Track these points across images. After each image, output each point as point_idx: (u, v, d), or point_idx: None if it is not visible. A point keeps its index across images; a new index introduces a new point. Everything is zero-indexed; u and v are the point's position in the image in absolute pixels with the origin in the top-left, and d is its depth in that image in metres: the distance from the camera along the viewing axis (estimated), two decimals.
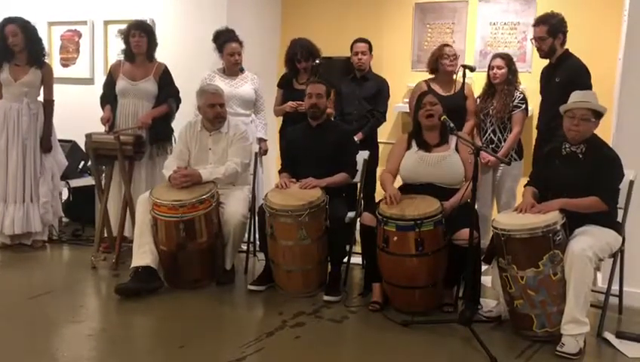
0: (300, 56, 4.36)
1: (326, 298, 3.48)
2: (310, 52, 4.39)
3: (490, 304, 3.34)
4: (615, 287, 3.24)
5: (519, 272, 2.91)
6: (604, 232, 2.98)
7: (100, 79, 4.94)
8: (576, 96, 3.07)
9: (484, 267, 3.35)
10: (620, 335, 3.05)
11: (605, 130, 3.82)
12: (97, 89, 4.55)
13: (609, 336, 3.04)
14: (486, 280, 3.49)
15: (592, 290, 3.00)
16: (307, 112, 3.83)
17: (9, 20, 4.29)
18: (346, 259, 3.74)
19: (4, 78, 4.32)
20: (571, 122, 3.03)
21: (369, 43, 4.46)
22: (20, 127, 4.32)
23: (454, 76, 4.11)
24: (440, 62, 4.17)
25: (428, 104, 3.46)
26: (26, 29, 4.32)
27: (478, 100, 4.28)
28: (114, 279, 3.76)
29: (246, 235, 3.93)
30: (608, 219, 3.04)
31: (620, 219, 3.15)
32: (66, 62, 5.71)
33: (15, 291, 3.59)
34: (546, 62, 4.00)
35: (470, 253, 3.02)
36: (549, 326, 2.93)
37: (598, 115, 3.04)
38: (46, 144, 4.41)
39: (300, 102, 4.21)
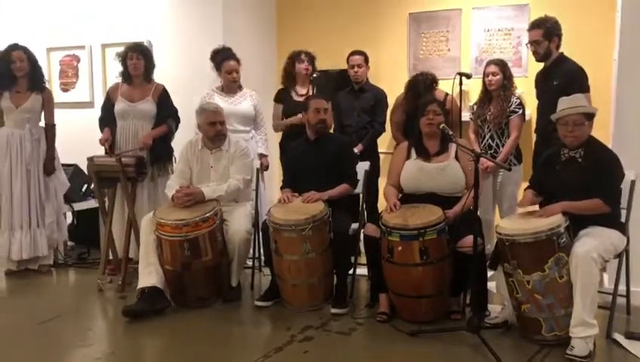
0: (304, 56, 4.41)
1: (333, 310, 3.48)
2: (312, 59, 4.45)
3: (497, 310, 3.33)
4: (622, 288, 3.23)
5: (525, 277, 2.91)
6: (608, 233, 2.98)
7: (100, 102, 4.96)
8: (565, 103, 3.09)
9: (489, 273, 3.35)
10: (629, 335, 3.04)
11: (604, 131, 3.84)
12: (97, 112, 4.57)
13: (618, 337, 3.03)
14: (492, 286, 3.49)
15: (599, 291, 3.00)
16: (313, 127, 3.80)
17: (16, 46, 4.35)
18: (351, 271, 3.74)
19: (5, 105, 4.36)
20: (566, 129, 3.04)
21: (365, 55, 4.50)
22: (23, 153, 4.35)
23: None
24: None
25: (431, 112, 3.47)
26: (30, 55, 4.39)
27: (475, 107, 4.31)
28: (121, 301, 3.76)
29: (251, 251, 3.94)
30: (612, 219, 3.04)
31: (623, 219, 3.15)
32: (65, 87, 5.75)
33: (23, 317, 3.60)
34: (542, 66, 4.02)
35: (475, 259, 3.03)
36: (558, 329, 2.92)
37: (590, 116, 3.05)
38: (49, 167, 4.44)
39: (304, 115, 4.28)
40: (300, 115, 4.25)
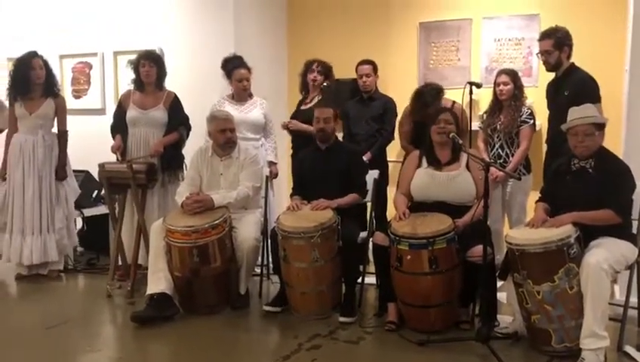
0: (315, 66, 4.44)
1: (341, 319, 3.47)
2: (326, 69, 4.47)
3: (506, 320, 3.31)
4: (633, 300, 3.19)
5: (535, 287, 2.90)
6: (619, 244, 2.95)
7: (111, 109, 5.01)
8: (575, 113, 3.08)
9: (499, 283, 3.33)
10: None
11: (615, 141, 3.82)
12: (109, 119, 4.62)
13: (630, 350, 3.00)
14: (502, 296, 3.47)
15: (610, 303, 2.98)
16: (315, 136, 3.86)
17: (35, 54, 4.40)
18: (360, 280, 3.73)
19: (19, 112, 4.41)
20: (576, 139, 3.03)
21: (373, 64, 4.51)
22: (36, 159, 4.39)
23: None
24: None
25: (443, 121, 3.48)
26: (46, 63, 4.45)
27: (485, 116, 4.30)
28: (130, 307, 3.77)
29: (259, 258, 3.94)
30: (623, 230, 3.02)
31: (634, 230, 3.12)
32: (77, 94, 5.81)
33: (32, 321, 3.62)
34: (552, 76, 4.02)
35: (484, 269, 3.01)
36: (568, 340, 2.90)
37: (600, 126, 3.04)
38: (61, 173, 4.48)
39: (289, 122, 4.38)
40: (285, 121, 4.43)
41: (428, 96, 4.17)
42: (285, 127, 4.46)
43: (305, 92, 4.58)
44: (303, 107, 4.51)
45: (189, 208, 3.70)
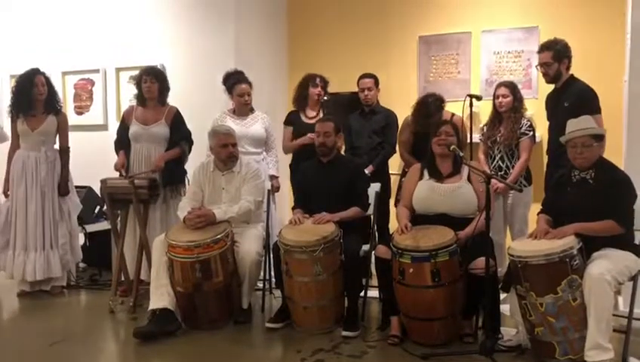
0: (319, 81, 4.47)
1: (344, 333, 3.46)
2: (326, 84, 4.50)
3: (510, 333, 3.30)
4: (638, 311, 3.18)
5: (538, 299, 2.89)
6: (622, 255, 2.95)
7: (114, 125, 5.04)
8: (573, 125, 3.09)
9: (502, 295, 3.32)
10: None
11: (616, 152, 3.83)
12: (111, 135, 4.65)
13: None
14: (505, 308, 3.45)
15: (614, 315, 2.96)
16: (317, 149, 3.88)
17: (38, 71, 4.43)
18: (362, 293, 3.72)
19: (21, 129, 4.43)
20: (575, 151, 3.04)
21: (375, 78, 4.54)
22: (39, 176, 4.40)
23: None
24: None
25: (444, 133, 3.49)
26: (48, 80, 4.48)
27: (485, 128, 4.32)
28: (132, 322, 3.77)
29: (261, 273, 3.94)
30: (625, 241, 3.01)
31: (637, 241, 3.11)
32: (80, 110, 5.84)
33: (35, 338, 3.60)
34: (552, 87, 4.03)
35: (487, 281, 3.00)
36: (572, 353, 2.88)
37: (599, 137, 3.05)
38: (64, 189, 4.49)
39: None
40: (308, 135, 4.32)
41: (432, 107, 4.20)
42: (313, 140, 4.41)
43: (302, 104, 4.58)
44: (306, 120, 4.51)
45: (191, 223, 3.71)
